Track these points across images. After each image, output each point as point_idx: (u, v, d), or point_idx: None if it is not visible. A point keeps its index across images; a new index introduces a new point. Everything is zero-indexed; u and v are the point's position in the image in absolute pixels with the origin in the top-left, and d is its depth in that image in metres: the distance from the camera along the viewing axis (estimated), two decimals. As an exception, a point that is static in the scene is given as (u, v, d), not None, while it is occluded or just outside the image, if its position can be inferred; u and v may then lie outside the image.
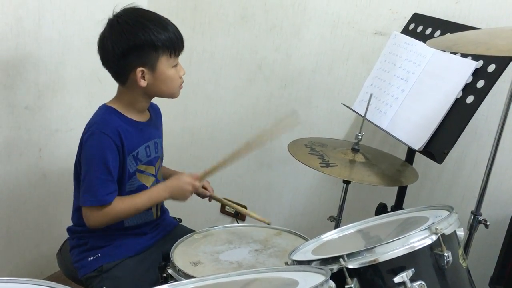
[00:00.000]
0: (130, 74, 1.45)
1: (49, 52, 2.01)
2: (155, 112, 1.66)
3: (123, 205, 1.48)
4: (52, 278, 2.22)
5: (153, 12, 1.50)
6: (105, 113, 1.50)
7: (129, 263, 1.53)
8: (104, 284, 1.49)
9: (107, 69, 1.49)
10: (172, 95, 1.54)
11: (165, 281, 1.37)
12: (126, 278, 1.50)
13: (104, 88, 2.19)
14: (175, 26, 1.49)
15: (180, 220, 1.79)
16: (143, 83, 1.46)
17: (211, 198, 1.71)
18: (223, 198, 1.73)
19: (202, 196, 1.69)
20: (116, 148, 1.45)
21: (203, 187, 1.68)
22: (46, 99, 2.04)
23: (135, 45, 1.42)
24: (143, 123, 1.56)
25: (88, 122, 1.50)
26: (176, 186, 1.54)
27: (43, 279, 1.31)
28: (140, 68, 1.44)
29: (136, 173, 1.53)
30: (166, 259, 1.44)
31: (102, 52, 1.47)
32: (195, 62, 2.45)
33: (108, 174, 1.44)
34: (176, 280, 1.32)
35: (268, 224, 1.61)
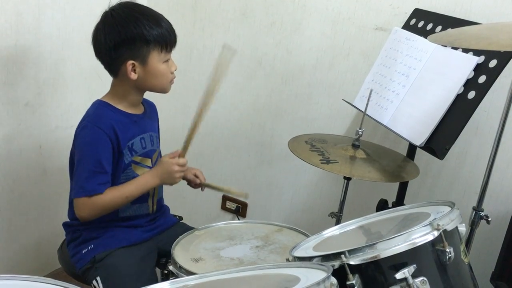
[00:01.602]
0: (121, 67, 1.46)
1: (49, 49, 2.00)
2: (150, 108, 1.66)
3: (112, 194, 1.47)
4: (53, 275, 2.22)
5: (147, 7, 1.50)
6: (98, 108, 1.51)
7: (122, 253, 1.53)
8: (98, 274, 1.49)
9: (99, 60, 1.50)
10: (162, 90, 1.54)
11: (166, 278, 1.37)
12: (119, 267, 1.49)
13: (104, 84, 2.16)
14: (168, 22, 1.50)
15: (181, 218, 1.78)
16: (133, 76, 1.46)
17: (203, 186, 1.69)
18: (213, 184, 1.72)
19: (194, 184, 1.69)
20: (110, 142, 1.45)
21: (195, 175, 1.67)
22: (46, 96, 2.04)
23: (127, 38, 1.43)
24: (137, 115, 1.57)
25: (82, 117, 1.51)
26: (162, 170, 1.52)
27: (44, 276, 1.31)
28: (131, 61, 1.44)
29: (132, 164, 1.53)
30: (167, 255, 1.43)
31: (95, 43, 1.49)
32: (195, 58, 2.44)
33: (99, 166, 1.44)
34: (177, 277, 1.32)
35: (246, 197, 1.66)
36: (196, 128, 1.54)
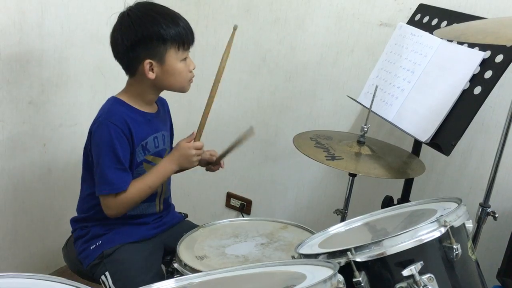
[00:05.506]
0: (139, 66, 1.46)
1: (53, 46, 2.00)
2: (162, 106, 1.66)
3: (136, 188, 1.48)
4: (58, 272, 2.22)
5: (164, 7, 1.50)
6: (112, 104, 1.51)
7: (130, 248, 1.53)
8: (106, 269, 1.50)
9: (118, 61, 1.50)
10: (181, 89, 1.54)
11: (171, 276, 1.36)
12: (127, 261, 1.50)
13: (107, 82, 2.18)
14: (186, 20, 1.50)
15: (186, 216, 1.78)
16: (151, 75, 1.46)
17: (219, 159, 1.68)
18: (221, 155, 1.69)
19: (213, 164, 1.68)
20: (125, 137, 1.46)
21: (211, 155, 1.67)
22: (49, 94, 2.03)
23: (143, 37, 1.43)
24: (151, 114, 1.57)
25: (97, 114, 1.51)
26: (179, 155, 1.52)
27: (49, 274, 1.31)
28: (148, 60, 1.44)
29: (143, 163, 1.54)
30: (172, 253, 1.43)
31: (113, 45, 1.49)
32: (198, 55, 2.42)
33: (118, 163, 1.45)
34: (182, 275, 1.31)
35: (253, 132, 1.58)
36: (209, 111, 1.56)
